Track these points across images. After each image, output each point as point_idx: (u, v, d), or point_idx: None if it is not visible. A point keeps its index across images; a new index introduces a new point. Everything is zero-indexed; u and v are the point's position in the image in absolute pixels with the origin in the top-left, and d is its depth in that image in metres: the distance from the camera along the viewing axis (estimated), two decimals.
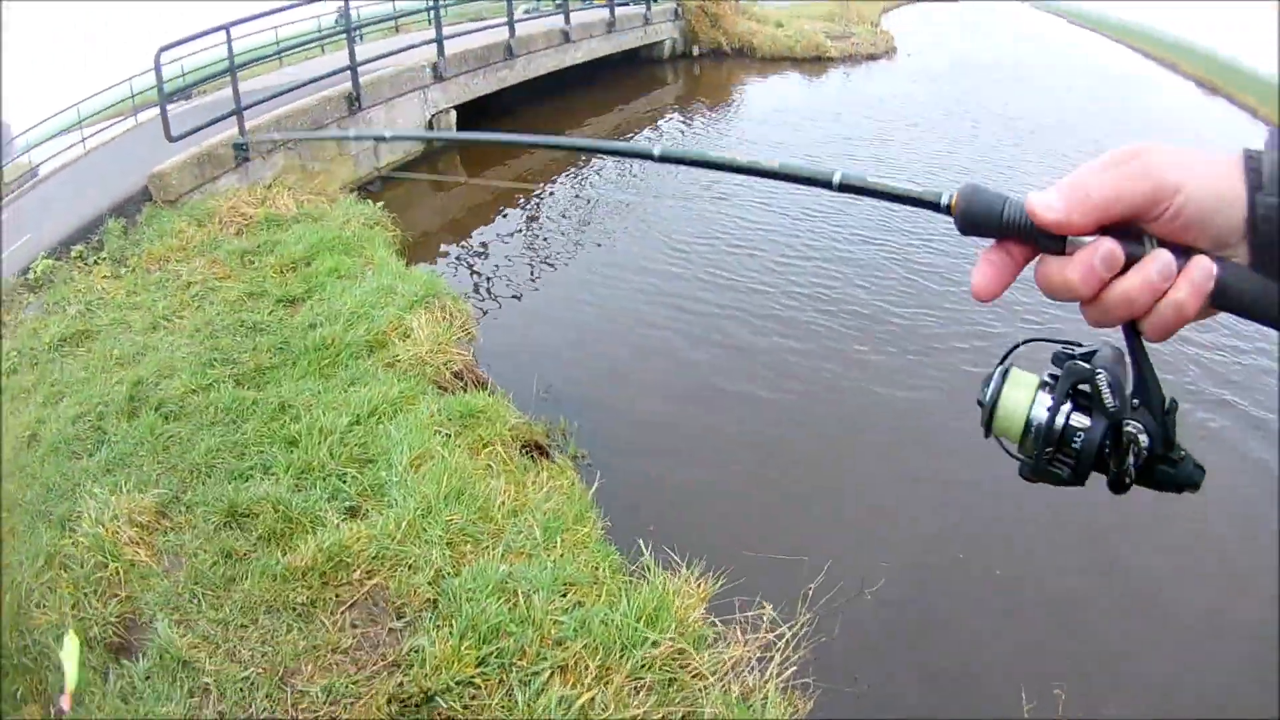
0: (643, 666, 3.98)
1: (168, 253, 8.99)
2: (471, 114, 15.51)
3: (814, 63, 26.62)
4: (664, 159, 1.04)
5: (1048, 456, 0.86)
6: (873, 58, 28.72)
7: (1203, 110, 26.83)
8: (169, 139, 10.20)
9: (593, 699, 3.78)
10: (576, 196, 13.79)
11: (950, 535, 6.28)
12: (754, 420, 7.56)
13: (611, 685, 3.85)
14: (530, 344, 8.89)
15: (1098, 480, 0.87)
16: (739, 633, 4.44)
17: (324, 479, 5.22)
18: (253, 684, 3.88)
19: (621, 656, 3.99)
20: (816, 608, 4.86)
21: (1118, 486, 0.85)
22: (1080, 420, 0.85)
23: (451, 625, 4.04)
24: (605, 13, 20.88)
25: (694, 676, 4.06)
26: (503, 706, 3.76)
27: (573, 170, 14.86)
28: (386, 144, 13.42)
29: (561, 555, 4.78)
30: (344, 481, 5.22)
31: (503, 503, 5.14)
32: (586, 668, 3.92)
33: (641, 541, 5.09)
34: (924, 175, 14.79)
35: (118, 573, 4.53)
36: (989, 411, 0.90)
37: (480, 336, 8.20)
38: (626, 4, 22.63)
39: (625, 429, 7.43)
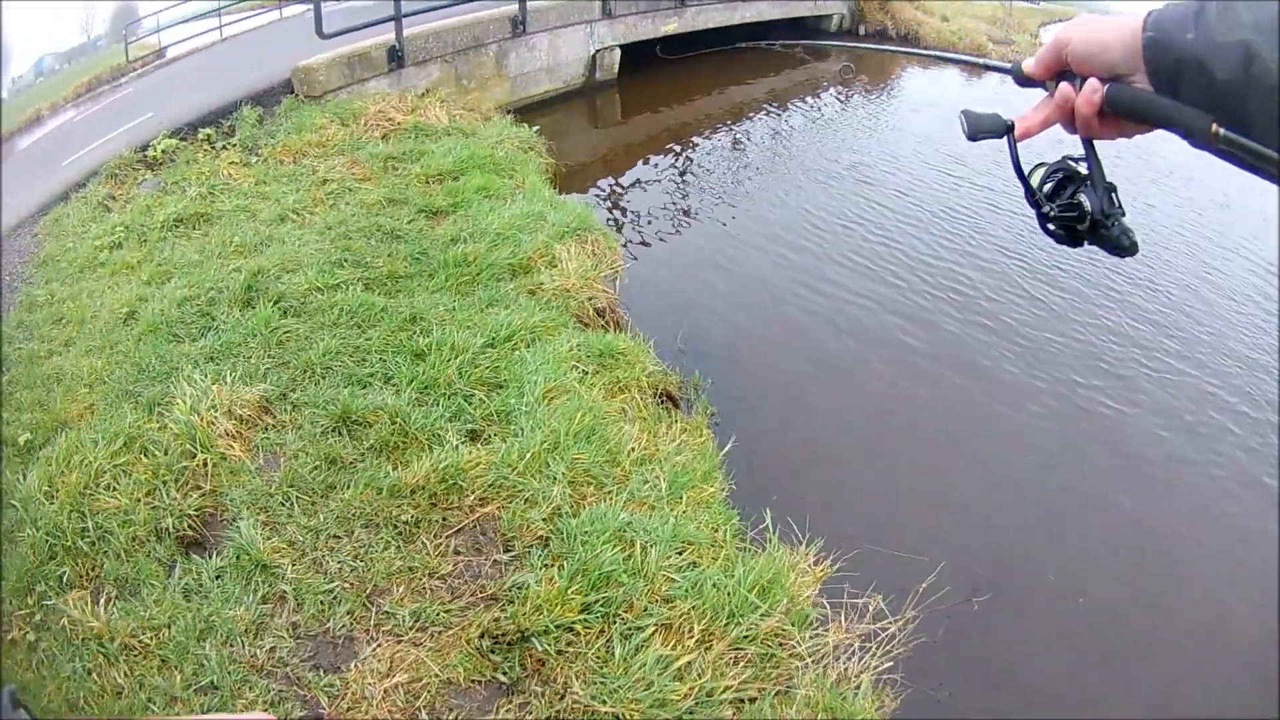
0: (746, 638, 3.87)
1: (306, 147, 8.70)
2: (636, 55, 15.25)
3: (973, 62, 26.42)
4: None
5: (1040, 200, 1.36)
6: None
7: None
8: (320, 35, 9.75)
9: (689, 663, 3.66)
10: (726, 155, 13.36)
11: (1057, 561, 6.08)
12: (882, 412, 7.36)
13: (712, 651, 3.77)
14: (668, 294, 8.63)
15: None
16: (843, 619, 4.34)
17: (449, 397, 5.02)
18: (335, 598, 3.75)
19: (728, 624, 3.89)
20: (922, 608, 4.80)
21: (1071, 235, 1.33)
22: (1059, 187, 1.36)
23: (561, 566, 3.94)
24: None
25: (792, 656, 3.96)
26: (598, 657, 3.63)
27: (726, 128, 14.61)
28: (546, 72, 13.14)
29: (684, 511, 4.61)
30: (469, 403, 5.02)
31: (632, 449, 4.95)
32: (690, 630, 3.82)
33: (766, 510, 4.98)
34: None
35: (205, 464, 4.33)
36: (1025, 183, 1.39)
37: (625, 278, 7.90)
38: None
39: (756, 395, 7.22)
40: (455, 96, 11.15)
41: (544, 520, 4.22)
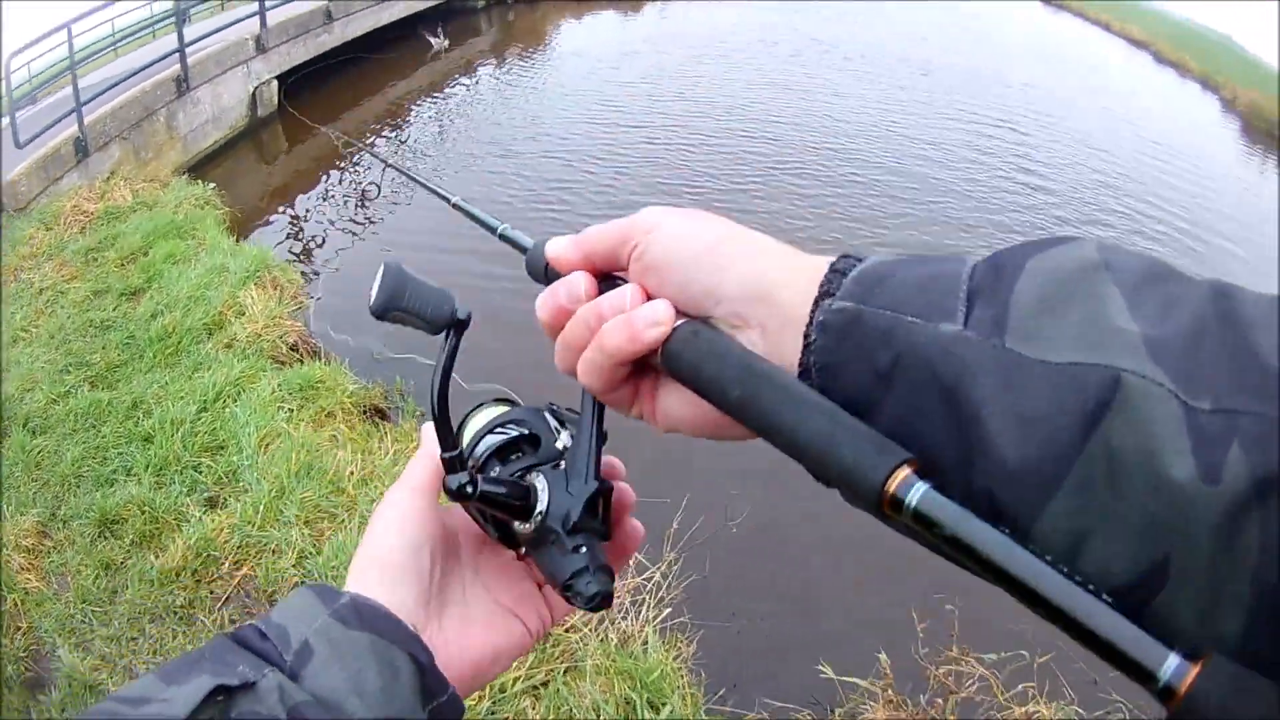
0: None
1: (20, 262, 8.95)
2: (296, 81, 15.59)
3: None
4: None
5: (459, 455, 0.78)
6: None
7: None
8: (17, 145, 10.25)
9: None
10: (392, 155, 14.09)
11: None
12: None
13: None
14: (359, 306, 8.48)
15: None
16: None
17: (181, 472, 5.42)
18: None
19: None
20: (680, 547, 4.96)
21: (497, 528, 0.80)
22: (506, 449, 0.83)
23: None
24: None
25: (566, 630, 4.16)
26: None
27: (390, 129, 15.30)
28: (213, 123, 13.58)
29: None
30: (200, 472, 5.42)
31: (352, 473, 5.31)
32: None
33: None
34: (724, 110, 16.15)
35: (17, 604, 4.65)
36: (442, 417, 0.79)
37: (311, 304, 8.46)
38: None
39: (455, 381, 7.42)
40: (136, 171, 11.41)
41: (294, 566, 4.54)
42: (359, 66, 17.84)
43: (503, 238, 1.01)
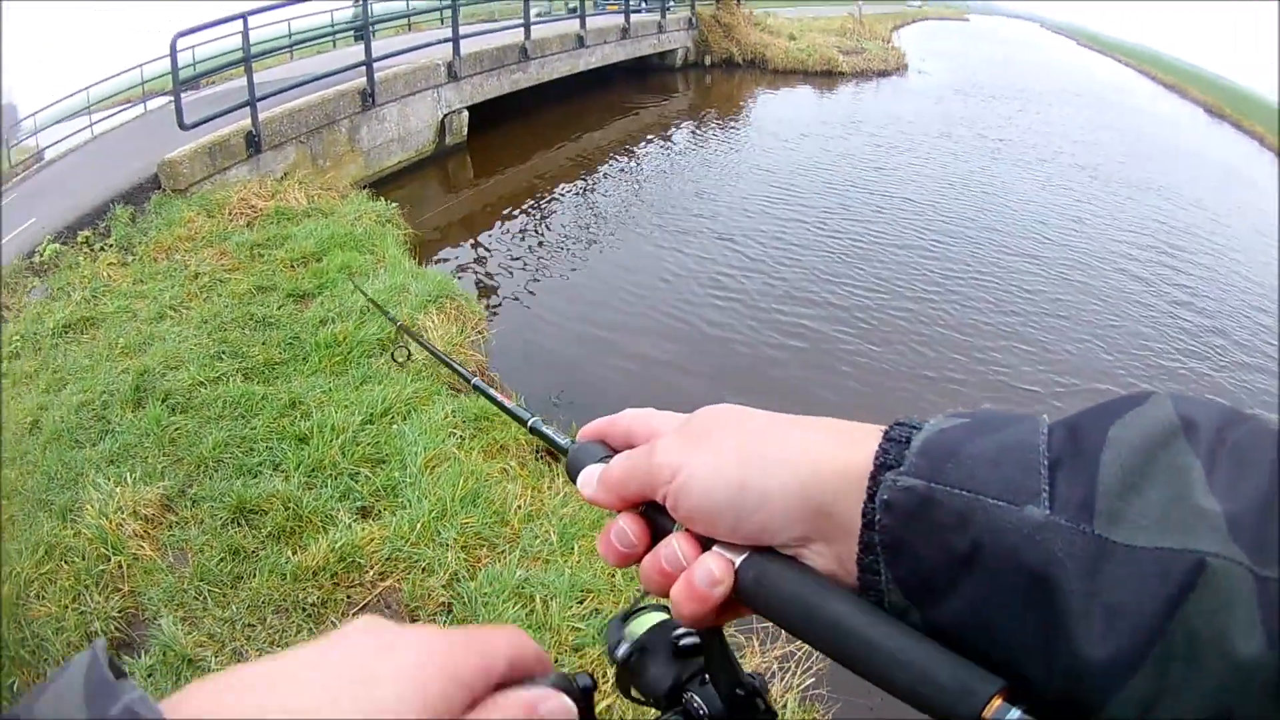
0: None
1: (176, 242, 8.91)
2: (484, 114, 15.53)
3: (825, 77, 27.00)
4: None
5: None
6: (884, 74, 29.38)
7: (1208, 133, 27.23)
8: (181, 127, 10.07)
9: (609, 706, 3.63)
10: (581, 205, 13.78)
11: None
12: None
13: None
14: (538, 350, 8.83)
15: None
16: (756, 644, 4.40)
17: (335, 477, 5.18)
18: None
19: None
20: None
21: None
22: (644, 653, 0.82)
23: None
24: (620, 19, 21.00)
25: None
26: None
27: (580, 179, 14.91)
28: (398, 142, 13.45)
29: (578, 561, 4.70)
30: (356, 481, 5.18)
31: (518, 507, 5.06)
32: (605, 675, 3.75)
33: None
34: (910, 193, 15.13)
35: (121, 566, 4.49)
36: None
37: (492, 338, 8.21)
38: (641, 11, 22.83)
39: None
40: (312, 177, 11.33)
41: (443, 587, 4.39)
42: (551, 109, 17.77)
43: (533, 431, 1.01)
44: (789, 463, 0.58)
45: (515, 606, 4.17)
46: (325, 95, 11.96)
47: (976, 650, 0.50)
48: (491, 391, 1.16)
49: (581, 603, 4.32)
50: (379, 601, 4.37)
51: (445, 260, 10.95)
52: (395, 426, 5.70)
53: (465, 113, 14.86)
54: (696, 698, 0.75)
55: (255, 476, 5.18)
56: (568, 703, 0.54)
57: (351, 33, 13.29)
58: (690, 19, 24.95)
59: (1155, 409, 0.49)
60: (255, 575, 4.41)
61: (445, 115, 14.39)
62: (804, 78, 26.53)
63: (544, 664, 0.56)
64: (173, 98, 10.52)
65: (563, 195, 13.94)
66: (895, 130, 20.19)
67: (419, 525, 4.71)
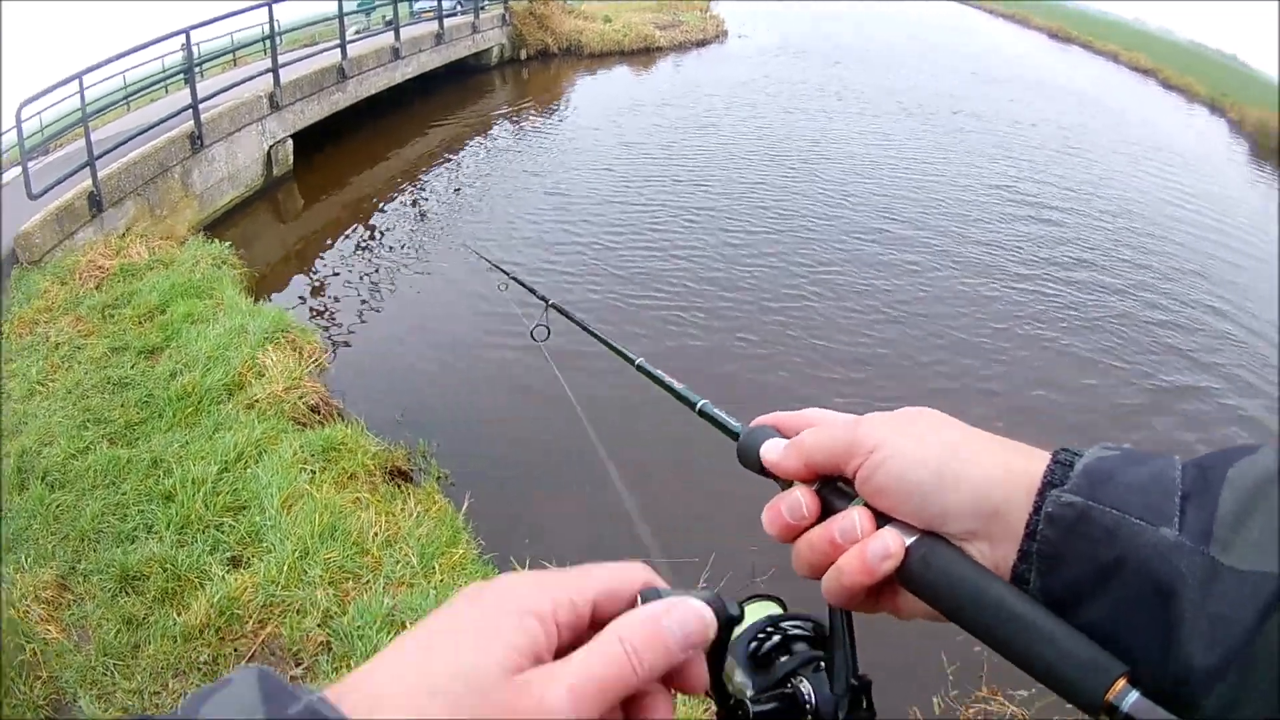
0: None
1: (36, 314, 8.91)
2: (309, 140, 15.62)
3: (644, 54, 27.73)
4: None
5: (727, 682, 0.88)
6: (703, 43, 30.47)
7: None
8: (30, 196, 10.14)
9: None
10: (409, 217, 14.09)
11: None
12: (596, 419, 7.41)
13: None
14: (379, 367, 9.10)
15: None
16: None
17: (203, 531, 5.38)
18: None
19: None
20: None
21: None
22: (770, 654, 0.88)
23: (349, 666, 4.11)
24: (434, 25, 21.17)
25: None
26: None
27: (409, 189, 15.22)
28: (228, 180, 13.57)
29: (442, 580, 4.96)
30: (222, 531, 5.37)
31: (376, 534, 5.34)
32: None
33: (513, 558, 5.43)
34: (740, 155, 16.53)
35: (35, 654, 4.59)
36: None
37: (331, 366, 8.44)
38: (455, 14, 22.97)
39: (484, 446, 7.57)
40: (152, 228, 11.41)
41: (319, 626, 4.52)
42: (373, 125, 18.10)
43: (702, 414, 1.03)
44: (981, 462, 0.69)
45: (388, 636, 4.29)
46: (157, 144, 12.03)
47: None
48: (660, 374, 1.20)
49: None
50: (263, 649, 4.52)
51: (282, 292, 11.06)
52: (249, 470, 5.92)
53: (289, 141, 15.02)
54: (807, 682, 0.82)
55: (133, 542, 5.36)
56: (699, 609, 0.58)
57: (181, 76, 13.56)
58: (504, 15, 25.19)
59: (1264, 457, 0.60)
60: (150, 641, 4.56)
61: (271, 146, 14.54)
62: (621, 58, 27.14)
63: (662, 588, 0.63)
64: (20, 168, 10.55)
65: (390, 211, 14.18)
66: (703, 95, 21.83)
67: (285, 567, 4.91)
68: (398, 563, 5.09)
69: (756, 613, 0.92)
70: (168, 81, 16.36)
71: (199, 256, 10.40)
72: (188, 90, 12.78)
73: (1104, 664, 0.59)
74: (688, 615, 0.58)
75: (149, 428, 6.74)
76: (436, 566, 5.10)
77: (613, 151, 17.14)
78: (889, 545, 0.71)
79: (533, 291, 2.73)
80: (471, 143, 18.29)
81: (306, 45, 18.47)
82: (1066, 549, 0.64)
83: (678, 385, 1.13)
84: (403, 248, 12.69)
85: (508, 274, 3.21)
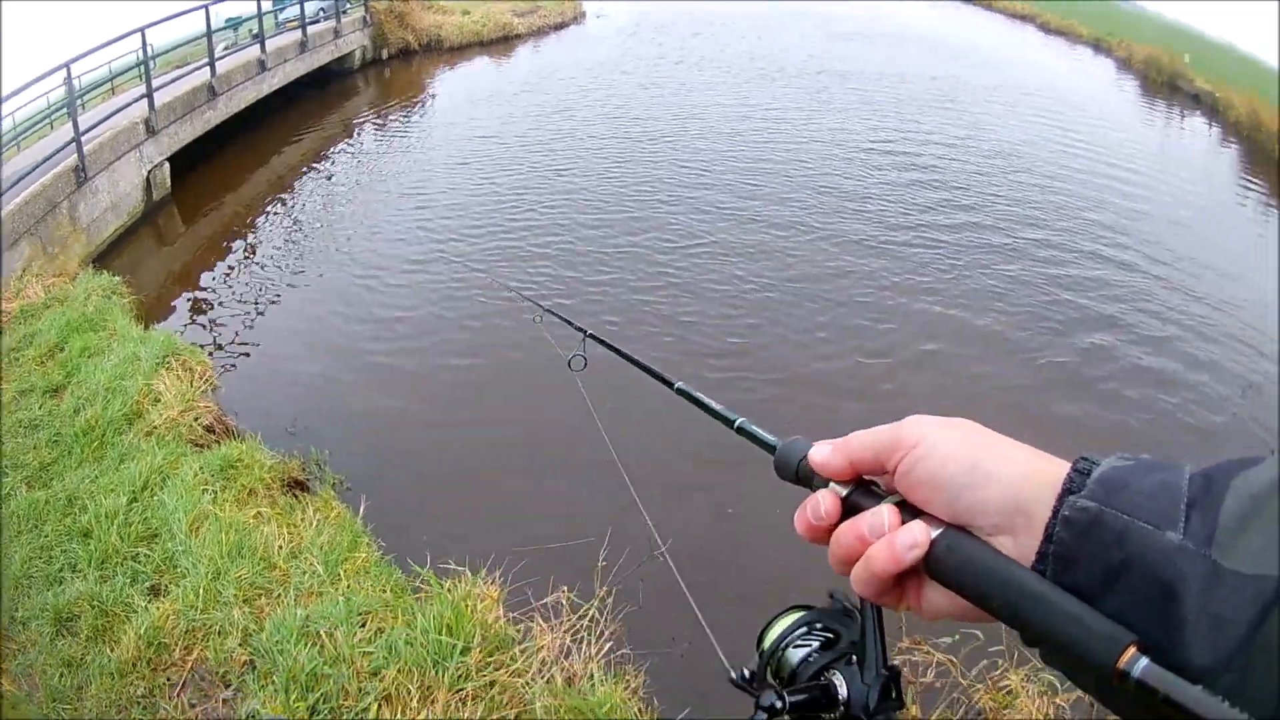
0: (461, 677, 4.09)
1: None
2: (185, 161, 15.78)
3: (503, 43, 28.38)
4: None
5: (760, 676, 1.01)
6: (561, 26, 31.21)
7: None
8: None
9: None
10: (285, 227, 14.41)
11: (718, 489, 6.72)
12: (480, 421, 8.02)
13: (438, 703, 3.95)
14: (268, 380, 9.33)
15: None
16: (543, 622, 4.54)
17: (121, 563, 5.32)
18: None
19: (437, 672, 4.09)
20: (610, 580, 5.03)
21: None
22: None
23: (273, 681, 4.12)
24: (298, 34, 21.70)
25: (513, 675, 4.20)
26: None
27: (280, 202, 15.51)
28: (112, 210, 13.55)
29: (349, 586, 4.93)
30: (139, 561, 5.32)
31: (280, 547, 5.31)
32: (409, 691, 3.98)
33: (410, 559, 5.34)
34: (598, 136, 17.82)
35: None
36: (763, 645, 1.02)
37: (222, 384, 8.48)
38: (319, 20, 23.13)
39: (375, 448, 7.75)
40: (46, 266, 11.34)
41: (240, 645, 4.46)
42: (244, 139, 18.27)
43: (740, 431, 1.11)
44: (1014, 462, 0.76)
45: (306, 647, 4.27)
46: (45, 181, 12.04)
47: None
48: (698, 395, 1.25)
49: (364, 626, 4.47)
50: (193, 676, 4.47)
51: (171, 316, 11.24)
52: (155, 498, 5.87)
53: (166, 164, 15.18)
54: (839, 674, 0.90)
55: (60, 583, 5.31)
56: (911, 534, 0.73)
57: (66, 111, 13.26)
58: (365, 17, 25.48)
59: (1266, 470, 0.64)
60: (91, 681, 4.51)
61: (149, 171, 14.66)
62: (481, 48, 27.79)
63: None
64: None
65: (266, 224, 14.44)
66: (559, 80, 22.71)
67: (201, 590, 4.86)
68: (305, 573, 5.07)
69: (785, 621, 1.02)
70: (53, 117, 16.48)
71: (90, 289, 10.34)
72: (70, 125, 12.93)
73: (1116, 634, 0.64)
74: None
75: (61, 466, 6.75)
76: (342, 573, 5.09)
77: (469, 145, 17.83)
78: (916, 536, 0.77)
79: (569, 323, 2.72)
80: (337, 149, 18.65)
81: (179, 66, 18.38)
82: (1080, 551, 0.68)
83: (716, 406, 1.19)
84: (282, 258, 12.93)
85: (542, 306, 3.37)
